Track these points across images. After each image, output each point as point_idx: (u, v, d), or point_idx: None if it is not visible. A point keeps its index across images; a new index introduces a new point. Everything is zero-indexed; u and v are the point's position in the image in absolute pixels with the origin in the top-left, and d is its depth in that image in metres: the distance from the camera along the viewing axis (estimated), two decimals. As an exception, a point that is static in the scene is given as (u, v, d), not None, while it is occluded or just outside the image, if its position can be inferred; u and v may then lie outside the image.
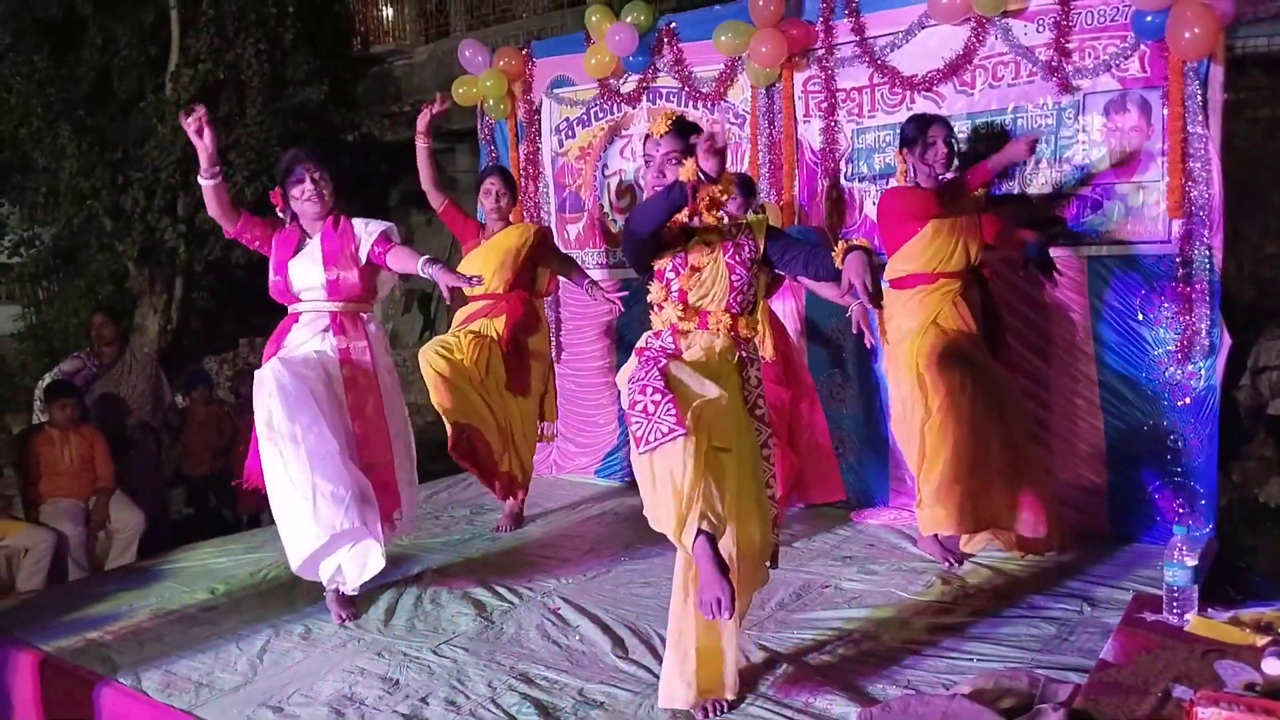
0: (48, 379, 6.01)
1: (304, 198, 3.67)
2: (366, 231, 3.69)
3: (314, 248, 3.69)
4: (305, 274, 3.66)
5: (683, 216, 2.83)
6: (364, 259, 3.67)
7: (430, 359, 4.43)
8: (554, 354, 5.44)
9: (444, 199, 4.78)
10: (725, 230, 2.87)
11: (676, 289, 2.81)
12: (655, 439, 2.46)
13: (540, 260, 4.79)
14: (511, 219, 4.83)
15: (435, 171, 4.79)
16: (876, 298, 2.60)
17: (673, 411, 2.47)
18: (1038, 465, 3.92)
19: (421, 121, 4.69)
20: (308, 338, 3.66)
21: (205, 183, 3.61)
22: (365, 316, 3.77)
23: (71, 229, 9.57)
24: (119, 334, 6.23)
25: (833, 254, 2.69)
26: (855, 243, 2.67)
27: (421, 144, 4.73)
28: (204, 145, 3.54)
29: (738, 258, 2.83)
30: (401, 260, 3.66)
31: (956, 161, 4.07)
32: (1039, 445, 4.13)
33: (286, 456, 3.45)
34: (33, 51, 8.83)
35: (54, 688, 3.41)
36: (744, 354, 2.86)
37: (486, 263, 4.58)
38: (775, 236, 2.93)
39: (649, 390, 2.54)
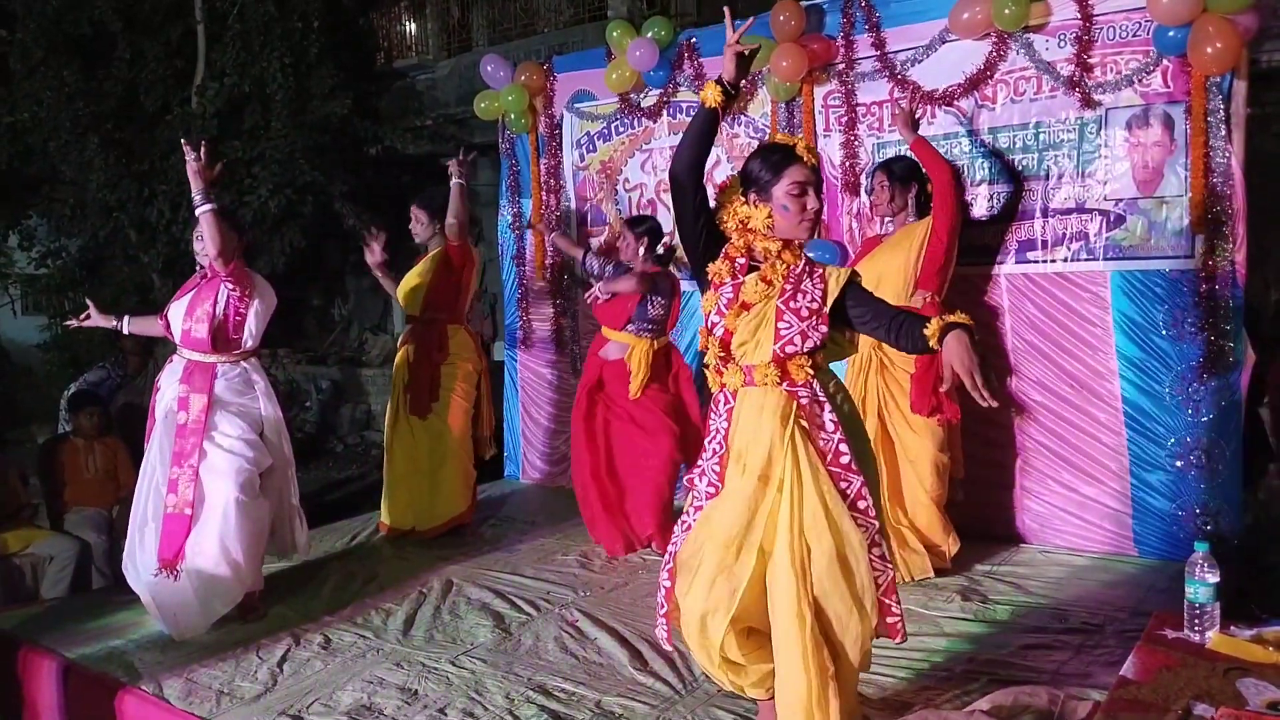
0: (73, 389, 6.08)
1: None
2: None
3: None
4: None
5: (739, 254, 2.55)
6: None
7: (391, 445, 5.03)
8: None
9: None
10: (789, 273, 2.50)
11: (722, 329, 2.51)
12: (658, 618, 2.69)
13: (445, 282, 4.94)
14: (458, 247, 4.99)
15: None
16: (989, 386, 2.20)
17: (663, 620, 2.66)
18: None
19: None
20: None
21: (209, 208, 3.68)
22: None
23: (98, 240, 9.68)
24: (145, 344, 6.29)
25: (924, 327, 2.32)
26: (953, 319, 2.28)
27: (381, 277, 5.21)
28: (201, 171, 3.69)
29: (792, 304, 2.47)
30: None
31: (902, 207, 4.17)
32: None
33: None
34: (62, 67, 8.94)
35: (77, 694, 3.44)
36: (802, 400, 2.48)
37: (405, 293, 5.02)
38: (857, 293, 2.51)
39: (666, 565, 2.64)
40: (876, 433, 3.98)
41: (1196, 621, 2.52)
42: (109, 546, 5.24)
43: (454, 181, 4.86)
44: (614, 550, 4.60)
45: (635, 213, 5.61)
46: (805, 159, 2.48)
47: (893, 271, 4.05)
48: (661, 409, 4.56)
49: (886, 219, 4.30)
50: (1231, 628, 2.54)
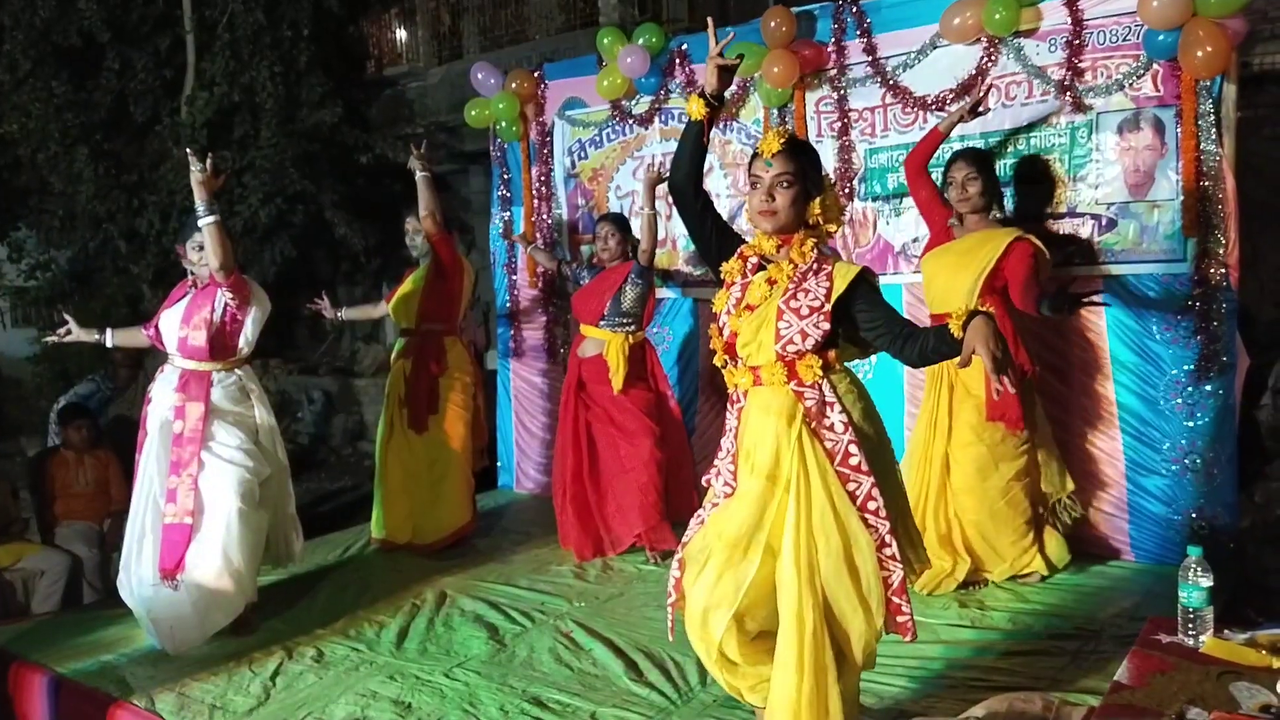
0: (62, 401, 6.05)
1: None
2: None
3: None
4: None
5: (753, 254, 2.59)
6: None
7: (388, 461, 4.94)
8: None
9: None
10: (794, 272, 2.50)
11: (728, 331, 2.54)
12: (669, 595, 2.65)
13: (437, 291, 4.93)
14: (463, 260, 5.08)
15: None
16: (1000, 366, 2.18)
17: (670, 609, 2.66)
18: None
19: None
20: None
21: (214, 219, 3.63)
22: None
23: (87, 252, 9.64)
24: (135, 356, 6.26)
25: (940, 332, 2.31)
26: (979, 309, 2.31)
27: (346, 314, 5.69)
28: (206, 181, 3.61)
29: (792, 303, 2.46)
30: None
31: (992, 203, 4.02)
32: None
33: None
34: (51, 78, 8.92)
35: (69, 709, 3.42)
36: (808, 402, 2.47)
37: (397, 306, 5.02)
38: (866, 296, 2.47)
39: (677, 557, 2.64)
40: (931, 452, 3.98)
41: (1190, 626, 2.52)
42: (100, 560, 5.22)
43: (419, 175, 4.84)
44: (583, 554, 4.60)
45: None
46: (763, 153, 2.50)
47: (962, 283, 3.86)
48: (642, 409, 4.57)
49: (960, 219, 4.04)
50: (1225, 631, 2.54)
